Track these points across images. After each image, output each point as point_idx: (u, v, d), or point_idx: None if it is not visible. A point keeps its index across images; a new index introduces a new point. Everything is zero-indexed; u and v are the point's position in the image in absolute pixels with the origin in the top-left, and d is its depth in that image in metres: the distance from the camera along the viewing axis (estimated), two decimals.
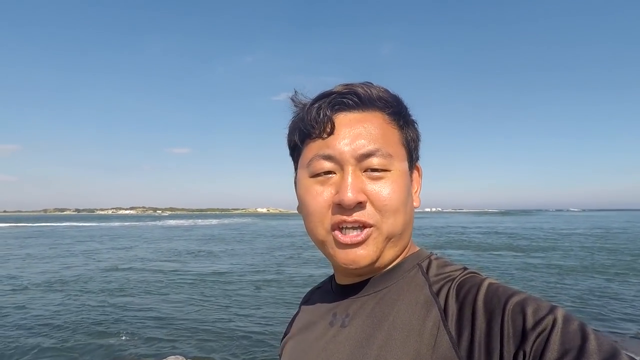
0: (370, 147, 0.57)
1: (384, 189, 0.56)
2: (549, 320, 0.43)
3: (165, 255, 19.17)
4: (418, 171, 0.67)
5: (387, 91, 0.62)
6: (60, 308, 8.50)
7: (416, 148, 0.65)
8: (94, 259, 17.68)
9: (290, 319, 0.78)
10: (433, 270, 0.58)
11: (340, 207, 0.56)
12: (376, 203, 0.56)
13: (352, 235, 0.56)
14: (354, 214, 0.56)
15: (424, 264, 0.60)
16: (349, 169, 0.56)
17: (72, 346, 6.31)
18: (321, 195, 0.58)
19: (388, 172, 0.57)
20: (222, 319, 7.86)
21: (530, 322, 0.44)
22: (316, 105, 0.59)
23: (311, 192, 0.59)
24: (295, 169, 0.65)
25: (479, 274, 0.56)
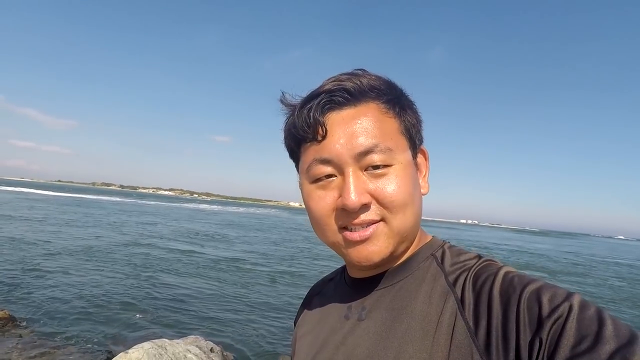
0: (367, 144, 0.54)
1: (388, 186, 0.54)
2: (564, 307, 0.43)
3: (184, 235, 19.55)
4: (424, 155, 0.63)
5: (379, 78, 0.59)
6: (84, 279, 8.64)
7: (418, 132, 0.60)
8: (121, 231, 18.36)
9: (298, 308, 0.76)
10: (448, 260, 0.57)
11: (345, 211, 0.54)
12: (382, 201, 0.54)
13: (361, 232, 0.55)
14: (360, 216, 0.54)
15: (438, 254, 0.59)
16: (349, 171, 0.54)
17: (95, 316, 6.40)
18: (324, 200, 0.56)
19: (390, 167, 0.55)
20: (237, 306, 7.87)
21: (546, 309, 0.43)
22: (306, 108, 0.56)
23: (314, 197, 0.57)
24: (298, 171, 0.63)
25: (495, 262, 0.55)
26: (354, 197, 0.52)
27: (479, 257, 0.56)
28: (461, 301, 0.51)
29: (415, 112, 0.61)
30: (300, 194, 0.62)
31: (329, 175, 0.56)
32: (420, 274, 0.57)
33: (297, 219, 58.40)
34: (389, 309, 0.56)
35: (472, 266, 0.54)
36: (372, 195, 0.54)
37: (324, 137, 0.55)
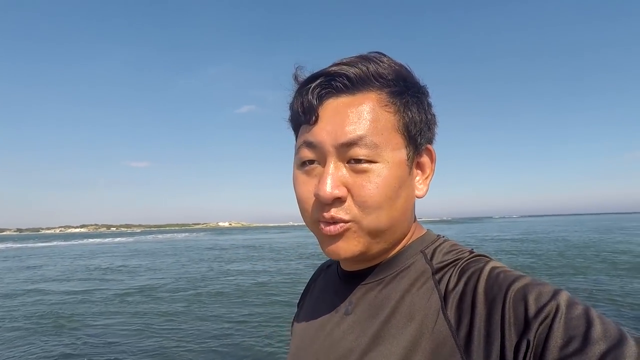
0: (352, 136, 0.51)
1: (366, 184, 0.51)
2: (551, 306, 0.42)
3: (79, 273, 17.91)
4: (430, 155, 0.59)
5: (390, 66, 0.54)
6: None
7: (421, 131, 0.56)
8: None
9: (304, 288, 0.78)
10: (437, 257, 0.56)
11: (318, 201, 0.53)
12: (356, 198, 0.52)
13: (332, 227, 0.53)
14: (332, 210, 0.52)
15: (428, 250, 0.58)
16: (330, 161, 0.52)
17: None
18: (307, 185, 0.55)
19: (374, 164, 0.52)
20: (167, 336, 7.35)
21: (532, 310, 0.42)
22: (304, 89, 0.54)
23: (299, 181, 0.56)
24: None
25: (484, 257, 0.54)
26: (327, 189, 0.51)
27: (470, 252, 0.55)
28: (444, 298, 0.50)
29: (424, 109, 0.57)
30: None
31: (312, 161, 0.54)
32: (408, 270, 0.56)
33: (218, 239, 56.67)
34: (373, 304, 0.56)
35: (460, 263, 0.53)
36: (349, 190, 0.52)
37: (315, 121, 0.53)
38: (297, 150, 0.56)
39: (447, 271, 0.53)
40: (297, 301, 0.79)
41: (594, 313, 0.41)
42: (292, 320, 0.75)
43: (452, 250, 0.57)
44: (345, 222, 0.52)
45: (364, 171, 0.52)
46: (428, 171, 0.59)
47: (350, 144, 0.51)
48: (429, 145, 0.58)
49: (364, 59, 0.54)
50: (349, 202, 0.52)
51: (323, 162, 0.53)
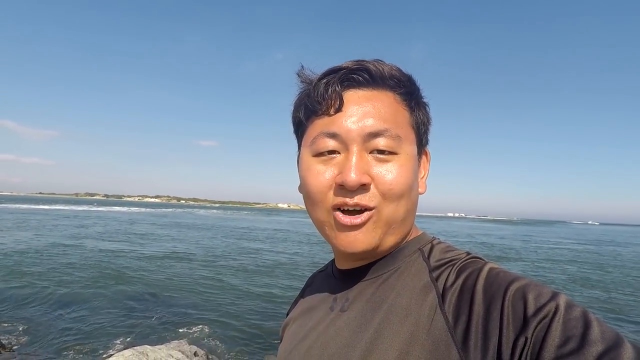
0: (379, 127, 0.54)
1: (390, 173, 0.54)
2: (550, 307, 0.42)
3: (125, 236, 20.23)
4: (426, 156, 0.64)
5: (399, 70, 0.58)
6: (61, 291, 8.69)
7: (426, 132, 0.61)
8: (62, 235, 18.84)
9: (292, 302, 0.79)
10: (435, 255, 0.57)
11: (342, 189, 0.54)
12: (380, 187, 0.54)
13: (353, 217, 0.54)
14: (356, 197, 0.53)
15: (426, 249, 0.59)
16: (354, 149, 0.54)
17: (74, 327, 6.43)
18: (323, 174, 0.55)
19: (395, 155, 0.54)
20: (216, 304, 8.21)
21: (531, 308, 0.43)
22: (324, 80, 0.56)
23: (312, 171, 0.57)
24: (299, 147, 0.63)
25: (481, 259, 0.55)
26: (354, 175, 0.52)
27: (467, 253, 0.56)
28: (442, 296, 0.50)
29: (427, 112, 0.61)
30: (297, 170, 0.62)
31: (332, 152, 0.55)
32: (405, 267, 0.57)
33: (261, 218, 58.73)
34: (370, 301, 0.56)
35: (457, 262, 0.54)
36: (372, 179, 0.53)
37: (337, 111, 0.55)
38: (314, 140, 0.57)
39: (444, 269, 0.54)
40: (287, 310, 0.79)
41: (592, 316, 0.42)
42: (281, 327, 0.76)
43: (448, 251, 0.58)
44: (370, 209, 0.54)
45: (386, 161, 0.54)
46: (424, 171, 0.63)
47: (377, 134, 0.53)
48: (427, 147, 0.63)
49: (377, 61, 0.57)
50: (372, 190, 0.54)
51: (345, 151, 0.55)
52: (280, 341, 0.72)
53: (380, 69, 0.56)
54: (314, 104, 0.57)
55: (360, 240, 0.55)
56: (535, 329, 0.41)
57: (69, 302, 7.90)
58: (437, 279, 0.53)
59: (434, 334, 0.48)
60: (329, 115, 0.56)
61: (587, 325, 0.40)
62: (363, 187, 0.53)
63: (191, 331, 6.52)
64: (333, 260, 0.70)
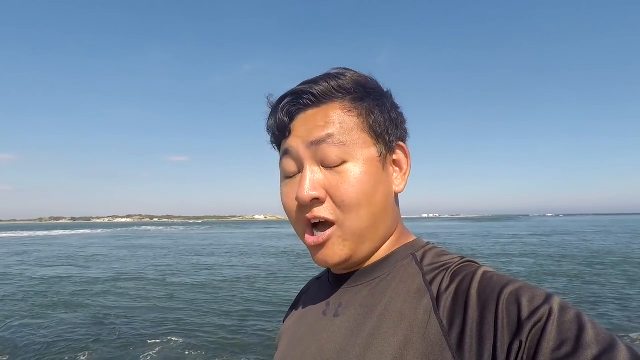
0: (320, 134, 0.55)
1: (342, 183, 0.54)
2: (544, 310, 0.42)
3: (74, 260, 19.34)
4: (404, 152, 0.62)
5: (351, 78, 0.59)
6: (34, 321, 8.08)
7: (388, 130, 0.59)
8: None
9: (288, 308, 0.79)
10: (428, 260, 0.57)
11: (302, 205, 0.56)
12: (335, 199, 0.54)
13: (315, 237, 0.56)
14: (313, 210, 0.55)
15: (419, 254, 0.59)
16: (306, 164, 0.56)
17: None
18: (290, 196, 0.58)
19: (346, 164, 0.55)
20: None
21: (525, 312, 0.43)
22: (277, 110, 0.60)
23: (284, 193, 0.60)
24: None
25: (475, 263, 0.55)
26: (305, 191, 0.53)
27: (461, 257, 0.56)
28: (436, 300, 0.51)
29: (387, 110, 0.60)
30: None
31: (295, 173, 0.58)
32: (398, 272, 0.58)
33: (221, 231, 57.93)
34: (363, 305, 0.57)
35: (451, 266, 0.54)
36: (327, 192, 0.55)
37: (289, 133, 0.58)
38: (280, 163, 0.60)
39: (438, 273, 0.54)
40: (283, 318, 0.79)
41: (586, 318, 0.42)
42: (277, 335, 0.75)
43: (442, 255, 0.58)
44: (330, 222, 0.55)
45: (338, 172, 0.55)
46: (405, 167, 0.62)
47: (320, 141, 0.55)
48: (400, 142, 0.61)
49: (327, 76, 0.59)
50: (329, 203, 0.55)
51: (300, 168, 0.57)
52: (276, 349, 0.72)
53: (325, 85, 0.57)
54: (273, 132, 0.61)
55: (329, 256, 0.56)
56: (529, 333, 0.41)
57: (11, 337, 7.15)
58: (431, 283, 0.53)
59: (429, 338, 0.48)
60: (285, 137, 0.59)
61: (581, 328, 0.40)
62: (318, 201, 0.54)
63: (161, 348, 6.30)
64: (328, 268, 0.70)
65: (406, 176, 0.62)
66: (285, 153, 0.59)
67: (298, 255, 19.89)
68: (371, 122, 0.58)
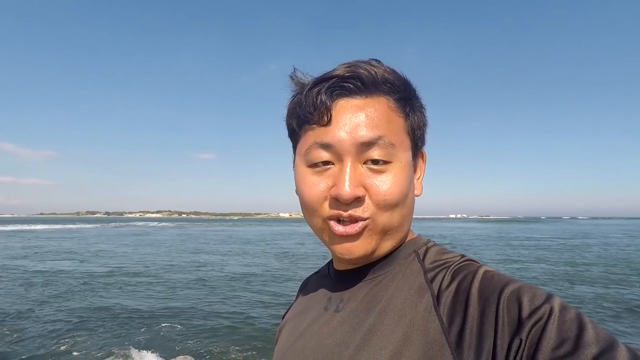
0: (372, 135, 0.52)
1: (384, 184, 0.53)
2: (545, 309, 0.42)
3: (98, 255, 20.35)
4: (422, 157, 0.62)
5: (394, 72, 0.57)
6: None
7: (422, 136, 0.60)
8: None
9: (288, 305, 0.79)
10: (430, 258, 0.57)
11: (336, 201, 0.54)
12: (375, 197, 0.53)
13: (348, 227, 0.54)
14: (350, 209, 0.53)
15: (421, 251, 0.59)
16: (348, 161, 0.53)
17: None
18: (317, 186, 0.55)
19: (390, 164, 0.54)
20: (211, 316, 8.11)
21: (526, 310, 0.43)
22: (315, 89, 0.55)
23: (307, 182, 0.56)
24: (294, 151, 0.62)
25: (475, 262, 0.55)
26: (348, 189, 0.51)
27: (462, 256, 0.56)
28: (437, 297, 0.50)
29: (422, 114, 0.59)
30: (294, 175, 0.61)
31: (327, 162, 0.54)
32: (401, 269, 0.57)
33: (248, 229, 58.43)
34: (364, 301, 0.57)
35: (452, 264, 0.54)
36: (367, 190, 0.53)
37: (328, 122, 0.54)
38: (308, 150, 0.56)
39: (439, 271, 0.54)
40: (283, 313, 0.79)
41: (587, 318, 0.42)
42: (277, 330, 0.76)
43: (443, 253, 0.58)
44: (364, 219, 0.54)
45: (381, 172, 0.53)
46: (420, 172, 0.62)
47: (370, 144, 0.52)
48: (423, 149, 0.62)
49: (369, 64, 0.56)
50: (367, 201, 0.53)
51: (339, 162, 0.54)
52: (276, 343, 0.73)
53: (373, 73, 0.54)
54: (305, 114, 0.56)
55: (356, 247, 0.56)
56: (530, 331, 0.41)
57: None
58: (432, 280, 0.53)
59: (428, 335, 0.48)
60: (322, 125, 0.54)
61: (581, 328, 0.40)
62: (357, 200, 0.53)
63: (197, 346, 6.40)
64: (329, 262, 0.71)
65: (421, 180, 0.62)
66: (323, 145, 0.54)
67: (296, 256, 20.08)
68: (414, 125, 0.57)
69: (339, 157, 0.54)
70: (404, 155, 0.55)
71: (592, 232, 47.53)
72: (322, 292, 0.66)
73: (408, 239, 0.62)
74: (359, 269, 0.61)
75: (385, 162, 0.53)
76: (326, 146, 0.54)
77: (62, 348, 6.26)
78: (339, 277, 0.64)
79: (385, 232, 0.56)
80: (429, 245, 0.61)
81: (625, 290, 10.64)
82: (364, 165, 0.54)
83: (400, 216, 0.56)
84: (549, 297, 0.44)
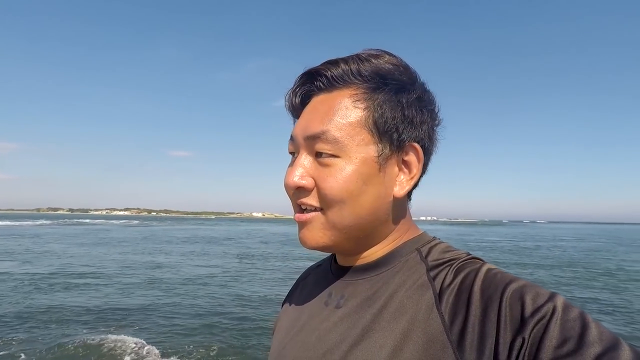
0: (315, 130, 0.54)
1: (328, 177, 0.54)
2: (548, 307, 0.42)
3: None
4: (417, 154, 0.57)
5: (375, 64, 0.55)
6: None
7: (397, 129, 0.55)
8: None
9: (287, 293, 0.79)
10: (433, 255, 0.57)
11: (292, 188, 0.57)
12: (319, 190, 0.55)
13: (300, 215, 0.57)
14: (298, 198, 0.56)
15: (424, 249, 0.58)
16: (302, 153, 0.56)
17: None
18: (287, 174, 0.59)
19: (337, 159, 0.54)
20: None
21: (528, 309, 0.43)
22: (291, 89, 0.60)
23: (286, 171, 0.59)
24: None
25: (479, 259, 0.54)
26: (291, 178, 0.54)
27: (467, 254, 0.56)
28: (439, 295, 0.50)
29: (400, 105, 0.55)
30: None
31: (293, 153, 0.59)
32: (402, 266, 0.57)
33: (185, 227, 57.30)
34: (365, 298, 0.56)
35: (455, 262, 0.53)
36: (315, 181, 0.55)
37: (298, 117, 0.59)
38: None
39: (442, 269, 0.53)
40: (282, 302, 0.79)
41: (590, 317, 0.42)
42: (275, 321, 0.75)
43: (447, 251, 0.57)
44: (314, 208, 0.55)
45: (327, 165, 0.54)
46: (415, 170, 0.57)
47: (314, 137, 0.54)
48: (413, 144, 0.56)
49: (351, 58, 0.56)
50: (315, 192, 0.55)
51: (298, 154, 0.57)
52: (273, 333, 0.72)
53: (345, 68, 0.55)
54: (288, 111, 0.62)
55: (307, 237, 0.57)
56: (532, 330, 0.41)
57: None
58: (434, 278, 0.53)
59: (430, 332, 0.48)
60: (296, 120, 0.60)
61: (584, 327, 0.40)
62: (304, 189, 0.55)
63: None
64: (332, 257, 0.70)
65: (413, 180, 0.58)
66: (290, 137, 0.59)
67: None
68: (377, 117, 0.54)
69: (297, 149, 0.57)
70: (358, 149, 0.54)
71: (546, 235, 50.12)
72: (323, 287, 0.66)
73: (411, 235, 0.61)
74: (360, 265, 0.61)
75: (333, 156, 0.54)
76: (291, 139, 0.59)
77: None
78: (340, 272, 0.64)
79: (339, 230, 0.55)
80: (433, 242, 0.60)
81: (562, 290, 11.36)
82: (316, 158, 0.55)
83: (353, 214, 0.54)
84: (552, 296, 0.44)
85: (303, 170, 0.55)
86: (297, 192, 0.56)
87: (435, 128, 0.60)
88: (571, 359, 0.38)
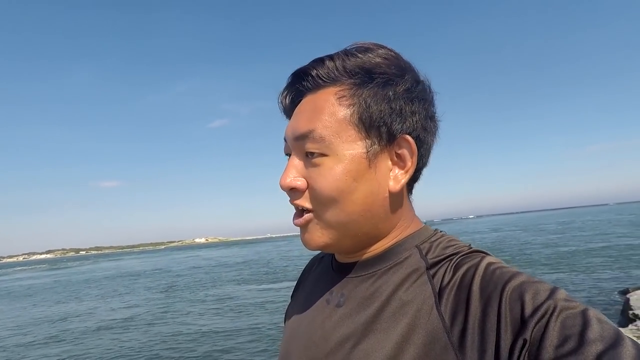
0: (302, 130, 0.54)
1: (318, 177, 0.53)
2: (548, 305, 0.41)
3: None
4: (410, 146, 0.54)
5: (360, 59, 0.54)
6: None
7: (385, 123, 0.53)
8: None
9: (297, 280, 0.78)
10: (433, 252, 0.55)
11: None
12: (311, 191, 0.54)
13: (296, 219, 0.57)
14: (293, 200, 0.56)
15: (424, 246, 0.56)
16: (293, 153, 0.56)
17: None
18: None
19: (326, 158, 0.53)
20: None
21: (528, 309, 0.42)
22: (282, 92, 0.60)
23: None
24: None
25: (481, 252, 0.53)
26: (284, 179, 0.55)
27: (469, 247, 0.54)
28: (439, 294, 0.49)
29: (387, 98, 0.53)
30: None
31: (289, 154, 0.59)
32: (401, 264, 0.55)
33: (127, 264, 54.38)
34: (365, 297, 0.55)
35: (455, 257, 0.52)
36: (307, 182, 0.55)
37: (289, 117, 0.59)
38: None
39: (442, 266, 0.52)
40: (291, 293, 0.78)
41: (591, 313, 0.40)
42: (285, 312, 0.74)
43: (449, 246, 0.55)
44: (309, 210, 0.55)
45: (317, 164, 0.53)
46: (409, 163, 0.55)
47: (302, 137, 0.54)
48: (405, 136, 0.54)
49: (338, 54, 0.55)
50: (307, 193, 0.55)
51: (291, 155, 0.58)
52: (285, 320, 0.72)
53: (329, 67, 0.54)
54: (281, 113, 0.62)
55: (307, 239, 0.57)
56: (533, 330, 0.40)
57: None
58: (433, 276, 0.52)
59: (430, 333, 0.47)
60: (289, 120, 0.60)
61: (585, 324, 0.39)
62: (297, 190, 0.55)
63: None
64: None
65: (408, 174, 0.55)
66: (284, 139, 0.59)
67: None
68: (362, 112, 0.53)
69: (289, 151, 0.58)
70: (346, 147, 0.53)
71: (468, 229, 54.26)
72: (324, 284, 0.65)
73: (412, 230, 0.59)
74: (359, 262, 0.60)
75: (322, 155, 0.53)
76: (284, 140, 0.59)
77: None
78: (340, 270, 0.63)
79: (336, 229, 0.55)
80: (434, 237, 0.58)
81: None
82: (307, 159, 0.55)
83: (346, 212, 0.54)
84: (552, 292, 0.43)
85: (295, 171, 0.55)
86: (291, 194, 0.57)
87: (430, 118, 0.57)
88: (572, 358, 0.37)
